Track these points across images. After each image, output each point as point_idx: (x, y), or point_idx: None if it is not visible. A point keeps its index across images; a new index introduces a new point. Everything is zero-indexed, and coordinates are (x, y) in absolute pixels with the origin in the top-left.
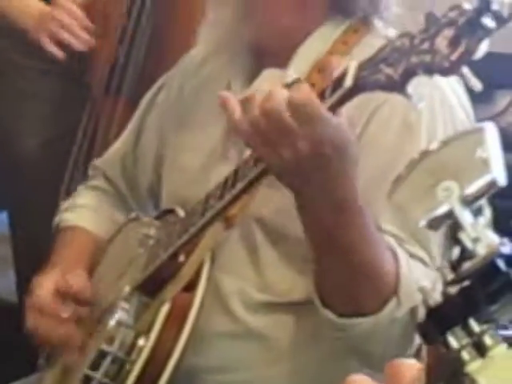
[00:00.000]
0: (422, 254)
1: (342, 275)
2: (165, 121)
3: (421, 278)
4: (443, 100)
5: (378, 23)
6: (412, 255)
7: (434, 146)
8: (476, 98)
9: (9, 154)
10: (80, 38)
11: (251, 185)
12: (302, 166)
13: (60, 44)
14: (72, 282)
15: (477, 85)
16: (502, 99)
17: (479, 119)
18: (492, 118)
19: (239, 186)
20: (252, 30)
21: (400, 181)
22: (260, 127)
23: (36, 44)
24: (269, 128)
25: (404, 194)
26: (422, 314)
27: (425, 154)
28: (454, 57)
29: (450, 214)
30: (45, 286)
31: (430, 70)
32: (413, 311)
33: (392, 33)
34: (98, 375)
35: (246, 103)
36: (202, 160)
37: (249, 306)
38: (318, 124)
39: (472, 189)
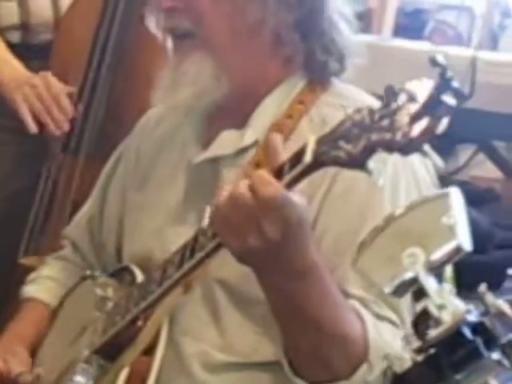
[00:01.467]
0: (390, 314)
1: (308, 342)
2: (126, 183)
3: (391, 339)
4: (405, 161)
5: (334, 80)
6: (380, 317)
7: (398, 211)
8: (438, 152)
9: None
10: (57, 123)
11: (210, 255)
12: (267, 249)
13: (36, 119)
14: (11, 365)
15: (438, 162)
16: (464, 153)
17: (442, 173)
18: (454, 172)
19: (198, 255)
20: (209, 91)
21: (364, 247)
22: (226, 216)
23: (5, 100)
24: (236, 215)
25: (369, 260)
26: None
27: (389, 219)
28: (414, 134)
29: (415, 281)
30: None
31: (390, 148)
32: (385, 372)
33: (351, 97)
34: None
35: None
36: (159, 220)
37: (210, 368)
38: (283, 208)
39: (438, 255)
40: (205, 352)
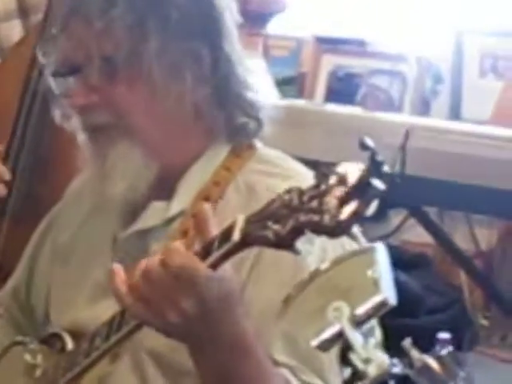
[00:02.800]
0: (316, 381)
1: None
2: (55, 254)
3: None
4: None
5: (258, 144)
6: None
7: (324, 265)
8: (369, 216)
9: None
10: None
11: (137, 328)
12: (190, 324)
13: None
14: None
15: (366, 246)
16: (395, 218)
17: (373, 237)
18: (386, 237)
19: (125, 329)
20: (142, 179)
21: (290, 301)
22: (142, 293)
23: None
24: (151, 292)
25: (294, 315)
26: None
27: (315, 273)
28: (343, 217)
29: (340, 335)
30: None
31: (318, 230)
32: None
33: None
34: None
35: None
36: (88, 294)
37: None
38: (200, 283)
39: (363, 309)
40: None
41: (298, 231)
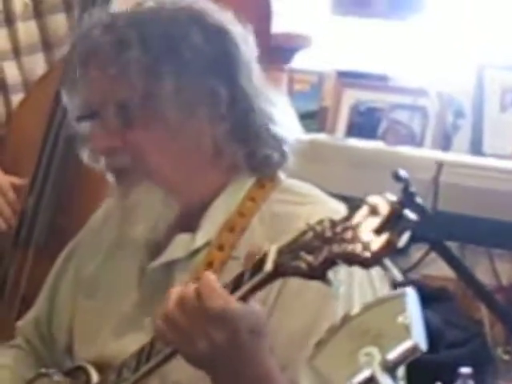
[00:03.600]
0: None
1: None
2: (78, 286)
3: None
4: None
5: (281, 175)
6: None
7: (354, 311)
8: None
9: None
10: (5, 217)
11: (166, 360)
12: (218, 355)
13: None
14: None
15: (397, 276)
16: (417, 252)
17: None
18: (407, 270)
19: (153, 361)
20: (163, 219)
21: (321, 345)
22: (175, 321)
23: None
24: (184, 320)
25: (326, 359)
26: None
27: (346, 319)
28: (376, 248)
29: (371, 380)
30: None
31: (350, 261)
32: None
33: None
34: None
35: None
36: (114, 326)
37: None
38: (231, 317)
39: (393, 355)
40: None
41: (331, 262)
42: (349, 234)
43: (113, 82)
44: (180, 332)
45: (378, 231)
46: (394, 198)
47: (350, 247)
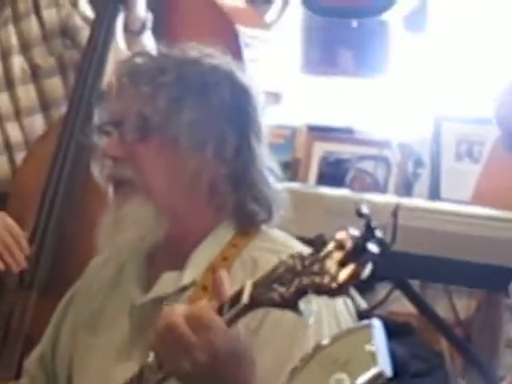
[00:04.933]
0: None
1: None
2: (77, 324)
3: None
4: (328, 303)
5: (264, 227)
6: None
7: (325, 341)
8: (358, 289)
9: None
10: (17, 260)
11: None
12: (201, 373)
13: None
14: None
15: (362, 304)
16: (382, 290)
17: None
18: (373, 307)
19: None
20: (152, 231)
21: (295, 373)
22: (162, 339)
23: None
24: (169, 340)
25: None
26: None
27: (317, 348)
28: (341, 279)
29: None
30: None
31: (319, 291)
32: None
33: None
34: None
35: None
36: (106, 358)
37: None
38: (215, 335)
39: (361, 380)
40: None
41: (301, 292)
42: (317, 267)
43: (141, 99)
44: (168, 350)
45: (344, 263)
46: (356, 232)
47: (317, 279)
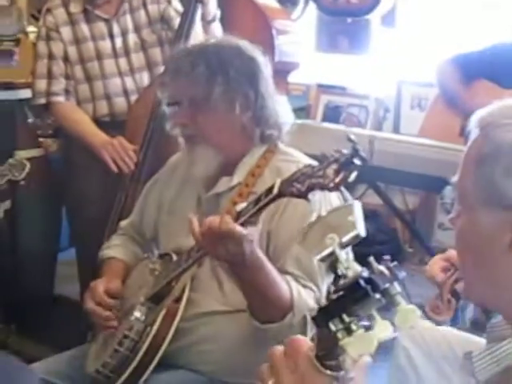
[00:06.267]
0: (311, 285)
1: (258, 301)
2: (160, 201)
3: (308, 299)
4: (325, 195)
5: (282, 145)
6: (305, 286)
7: (323, 213)
8: (346, 187)
9: (78, 215)
10: (127, 164)
11: (205, 254)
12: (229, 255)
13: (115, 163)
14: (113, 285)
15: (348, 197)
16: (361, 189)
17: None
18: (355, 199)
19: (200, 253)
20: (212, 164)
21: (304, 233)
22: (207, 236)
23: (95, 153)
24: (211, 237)
25: (307, 241)
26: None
27: (318, 218)
28: (336, 181)
29: (332, 253)
30: (97, 287)
31: (322, 187)
32: (304, 318)
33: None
34: (122, 349)
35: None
36: (180, 231)
37: (213, 313)
38: (238, 237)
39: (346, 238)
40: (211, 304)
41: (311, 188)
42: (321, 173)
43: (188, 84)
44: (209, 244)
45: (338, 171)
46: (346, 152)
47: (321, 180)
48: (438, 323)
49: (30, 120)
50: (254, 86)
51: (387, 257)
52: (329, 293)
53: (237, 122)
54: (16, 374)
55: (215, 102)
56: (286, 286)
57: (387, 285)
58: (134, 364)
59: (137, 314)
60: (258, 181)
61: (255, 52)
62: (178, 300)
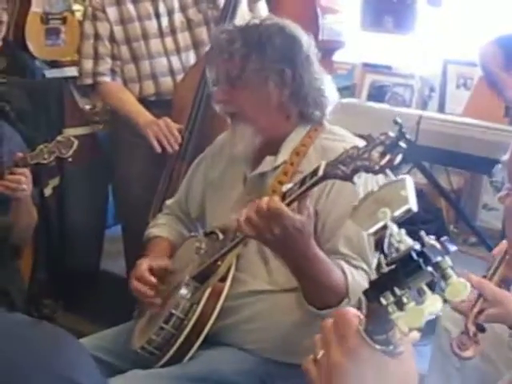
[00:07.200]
0: (363, 265)
1: (312, 287)
2: (206, 179)
3: (362, 281)
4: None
5: (327, 123)
6: (357, 267)
7: (374, 189)
8: (391, 169)
9: (124, 192)
10: (171, 145)
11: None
12: (276, 240)
13: (159, 143)
14: (157, 264)
15: (394, 178)
16: (405, 168)
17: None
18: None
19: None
20: (253, 142)
21: (355, 209)
22: (252, 221)
23: (141, 132)
24: (258, 222)
25: (359, 216)
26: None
27: (369, 193)
28: (382, 163)
29: (385, 227)
30: (143, 265)
31: (367, 170)
32: (359, 300)
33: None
34: (167, 327)
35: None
36: (226, 208)
37: (258, 292)
38: (285, 220)
39: (398, 212)
40: (256, 283)
41: (356, 171)
42: (366, 155)
43: (224, 61)
44: (255, 228)
45: (384, 154)
46: (393, 134)
47: (366, 162)
48: (465, 360)
49: (78, 98)
50: (291, 65)
51: (432, 236)
52: (379, 267)
53: (272, 99)
54: (66, 346)
55: (248, 78)
56: (340, 273)
57: (439, 258)
58: (180, 342)
59: (183, 291)
60: (303, 160)
61: (297, 31)
62: (224, 279)
